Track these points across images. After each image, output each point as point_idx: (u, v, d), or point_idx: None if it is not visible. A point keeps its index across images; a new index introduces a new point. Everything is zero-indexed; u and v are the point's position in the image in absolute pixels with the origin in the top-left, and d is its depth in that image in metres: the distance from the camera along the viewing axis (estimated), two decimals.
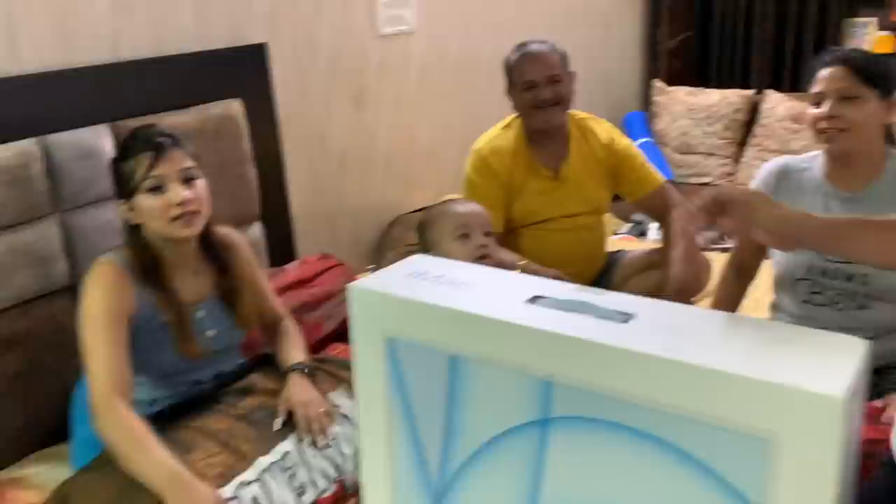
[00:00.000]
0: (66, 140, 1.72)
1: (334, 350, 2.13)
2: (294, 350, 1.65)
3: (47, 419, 1.73)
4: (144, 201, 1.46)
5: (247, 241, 1.73)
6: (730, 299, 1.86)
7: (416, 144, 3.05)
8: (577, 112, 2.27)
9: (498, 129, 2.27)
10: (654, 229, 3.24)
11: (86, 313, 1.43)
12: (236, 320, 1.61)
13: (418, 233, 1.82)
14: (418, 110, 3.01)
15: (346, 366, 1.67)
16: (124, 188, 1.47)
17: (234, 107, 2.12)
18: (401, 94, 2.91)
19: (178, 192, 1.45)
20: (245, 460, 1.40)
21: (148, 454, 1.32)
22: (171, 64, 2.01)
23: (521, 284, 1.00)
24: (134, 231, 1.51)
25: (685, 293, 1.98)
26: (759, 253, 1.82)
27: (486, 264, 1.48)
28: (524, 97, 2.15)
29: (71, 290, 1.77)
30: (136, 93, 1.91)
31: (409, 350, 1.02)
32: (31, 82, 1.71)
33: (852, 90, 1.58)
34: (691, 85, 4.13)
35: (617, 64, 4.30)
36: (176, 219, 1.46)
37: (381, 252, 2.83)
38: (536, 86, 2.12)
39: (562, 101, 2.15)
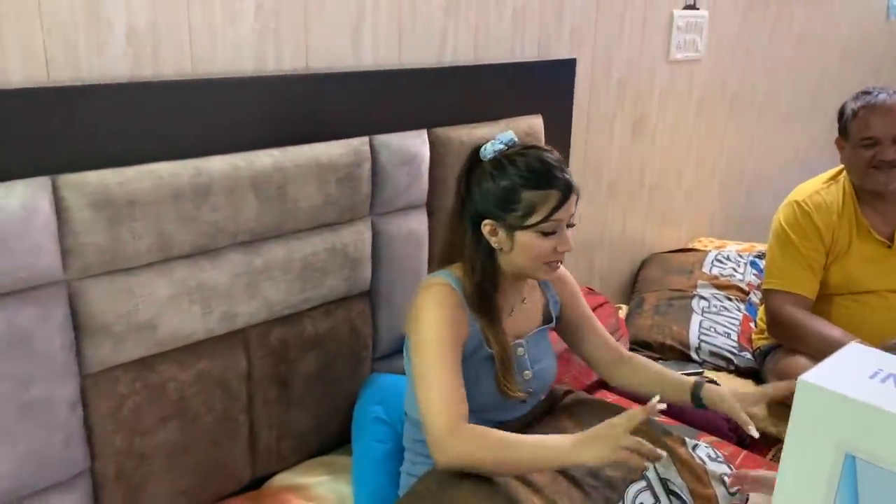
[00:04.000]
0: (393, 143, 1.65)
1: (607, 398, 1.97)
2: (666, 370, 1.57)
3: (332, 423, 1.67)
4: (531, 239, 1.33)
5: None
6: None
7: (680, 180, 2.83)
8: None
9: (821, 181, 2.01)
10: None
11: (423, 338, 1.32)
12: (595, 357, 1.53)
13: None
14: (688, 145, 2.80)
15: (666, 432, 1.50)
16: (509, 214, 1.33)
17: (536, 124, 2.01)
18: (678, 125, 2.71)
19: (567, 242, 1.35)
20: None
21: (522, 443, 1.24)
22: (487, 73, 1.91)
23: None
24: (489, 256, 1.38)
25: None
26: None
27: None
28: (862, 154, 1.89)
29: (369, 296, 1.71)
30: (453, 100, 1.82)
31: (877, 476, 0.81)
32: (367, 79, 1.65)
33: None
34: None
35: None
36: (548, 263, 1.36)
37: (635, 291, 2.63)
38: (880, 143, 1.86)
39: None
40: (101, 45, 1.30)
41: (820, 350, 1.69)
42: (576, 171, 2.30)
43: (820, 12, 3.30)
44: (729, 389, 1.49)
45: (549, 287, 1.55)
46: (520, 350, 1.45)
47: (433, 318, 1.32)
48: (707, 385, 1.49)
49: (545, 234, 1.32)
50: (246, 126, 1.46)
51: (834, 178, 2.00)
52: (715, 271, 2.54)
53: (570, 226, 1.36)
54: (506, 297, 1.43)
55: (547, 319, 1.53)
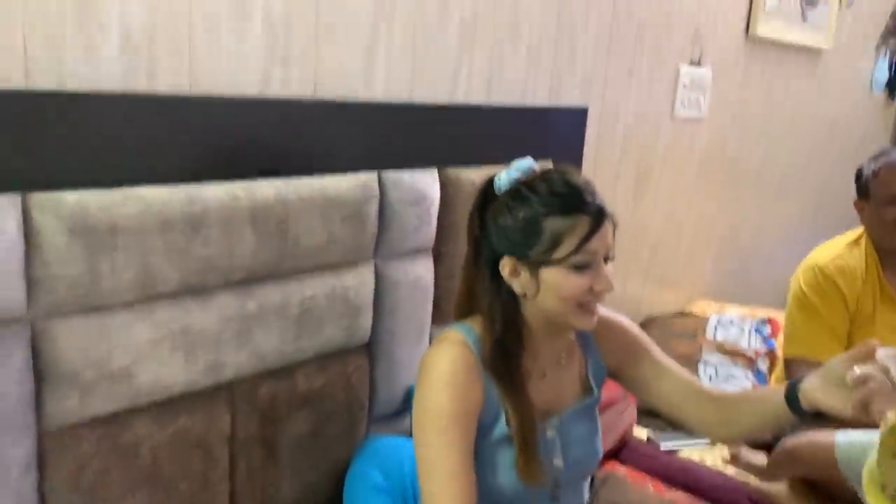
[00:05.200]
0: (404, 180, 1.50)
1: (617, 470, 1.81)
2: (752, 390, 1.34)
3: (323, 492, 1.47)
4: (560, 277, 1.11)
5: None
6: None
7: (680, 240, 2.74)
8: None
9: (842, 244, 1.92)
10: None
11: (430, 407, 1.10)
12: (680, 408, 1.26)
13: None
14: (688, 206, 2.72)
15: None
16: (532, 249, 1.12)
17: None
18: (678, 185, 2.63)
19: (606, 278, 1.12)
20: None
21: None
22: (499, 114, 1.79)
23: None
24: (512, 304, 1.18)
25: None
26: None
27: None
28: (887, 213, 1.80)
29: (368, 348, 1.54)
30: (465, 140, 1.69)
31: None
32: (379, 112, 1.51)
33: None
34: None
35: None
36: (582, 305, 1.13)
37: None
38: None
39: None
40: (91, 51, 1.14)
41: (845, 423, 1.56)
42: None
43: (812, 85, 3.31)
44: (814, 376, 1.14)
45: (591, 345, 1.29)
46: (550, 432, 1.20)
47: (441, 385, 1.10)
48: (806, 379, 1.15)
49: (577, 268, 1.10)
50: (246, 151, 1.30)
51: (855, 241, 1.91)
52: (720, 337, 2.42)
53: (606, 259, 1.14)
54: (535, 358, 1.20)
55: (588, 390, 1.28)
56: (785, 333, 1.92)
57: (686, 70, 2.47)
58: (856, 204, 1.91)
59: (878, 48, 3.74)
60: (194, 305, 1.23)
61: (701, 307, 2.76)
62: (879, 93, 3.87)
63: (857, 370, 1.04)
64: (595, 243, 1.10)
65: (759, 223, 3.22)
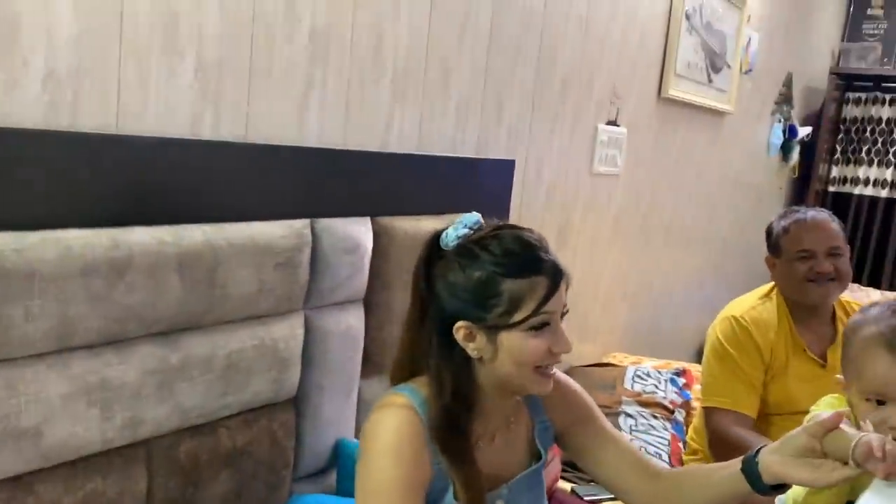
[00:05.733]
0: (337, 228, 1.47)
1: None
2: (708, 466, 1.26)
3: None
4: (520, 341, 1.07)
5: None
6: None
7: (596, 293, 2.79)
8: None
9: (755, 297, 1.99)
10: None
11: (376, 479, 1.04)
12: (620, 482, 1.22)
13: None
14: (605, 258, 2.79)
15: None
16: (494, 312, 1.07)
17: None
18: (597, 238, 2.69)
19: (564, 339, 1.09)
20: None
21: None
22: (431, 164, 1.79)
23: None
24: (464, 368, 1.11)
25: None
26: None
27: None
28: (798, 268, 1.89)
29: (295, 403, 1.47)
30: (398, 189, 1.68)
31: None
32: (312, 156, 1.48)
33: None
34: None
35: (755, 244, 4.13)
36: (540, 368, 1.09)
37: None
38: (815, 256, 1.87)
39: (840, 278, 1.89)
40: (12, 84, 1.07)
41: None
42: None
43: (717, 144, 3.49)
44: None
45: (538, 406, 1.23)
46: (498, 502, 1.15)
47: (387, 455, 1.04)
48: (762, 450, 1.09)
49: (536, 329, 1.07)
50: (175, 194, 1.24)
51: (767, 294, 1.99)
52: (637, 388, 2.46)
53: (562, 316, 1.12)
54: (486, 422, 1.14)
55: (535, 453, 1.22)
56: (703, 383, 1.97)
57: (603, 128, 2.56)
58: (767, 260, 2.00)
59: (773, 114, 4.00)
60: (113, 357, 1.15)
61: (618, 359, 2.81)
62: (774, 155, 4.12)
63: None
64: (554, 303, 1.08)
65: (670, 273, 3.33)
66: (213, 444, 1.32)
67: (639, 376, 2.53)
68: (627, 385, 2.48)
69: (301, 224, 1.40)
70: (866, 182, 4.49)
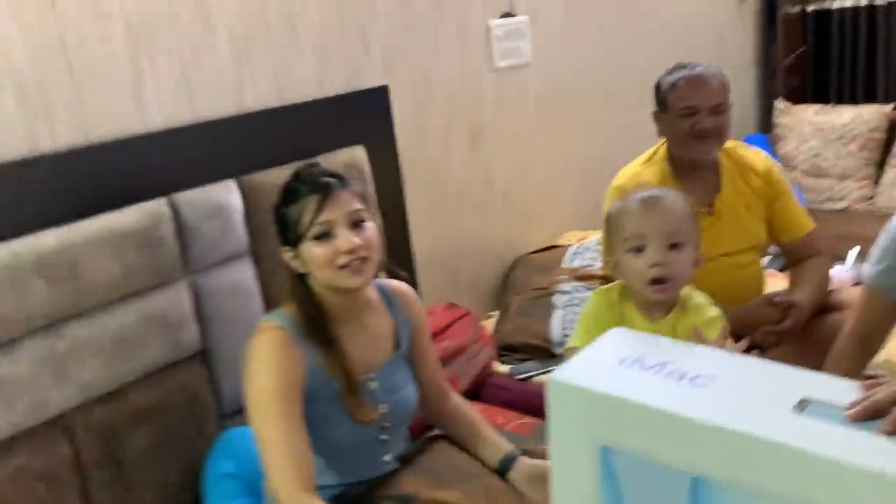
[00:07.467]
0: (196, 197, 1.63)
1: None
2: (492, 433, 1.52)
3: (181, 495, 1.62)
4: (310, 249, 1.32)
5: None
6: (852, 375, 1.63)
7: (533, 181, 2.88)
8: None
9: (639, 163, 2.07)
10: None
11: (255, 391, 1.29)
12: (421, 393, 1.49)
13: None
14: (534, 145, 2.86)
15: None
16: (289, 235, 1.35)
17: (359, 153, 2.01)
18: (517, 130, 2.76)
19: (347, 239, 1.31)
20: None
21: None
22: (294, 113, 1.91)
23: (779, 379, 0.80)
24: (300, 281, 1.37)
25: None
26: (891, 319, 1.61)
27: (662, 290, 1.31)
28: (681, 124, 1.93)
29: (202, 356, 1.68)
30: (262, 145, 1.82)
31: (631, 465, 0.83)
32: (158, 139, 1.63)
33: None
34: (812, 103, 3.84)
35: (732, 84, 4.03)
36: (343, 267, 1.32)
37: (504, 296, 2.66)
38: (697, 112, 1.91)
39: (722, 134, 1.94)
40: None
41: None
42: (416, 189, 2.32)
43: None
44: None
45: (398, 308, 1.49)
46: (371, 384, 1.41)
47: (262, 368, 1.30)
48: (520, 461, 1.45)
49: (319, 238, 1.31)
50: (26, 208, 1.42)
51: (650, 159, 2.06)
52: (576, 263, 2.59)
53: (358, 223, 1.34)
54: (344, 325, 1.39)
55: (398, 345, 1.48)
56: (603, 255, 2.08)
57: (497, 23, 2.59)
58: (654, 114, 2.05)
59: None
60: (2, 358, 1.35)
61: (566, 238, 2.92)
62: None
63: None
64: (329, 213, 1.31)
65: (617, 142, 3.34)
66: (125, 407, 1.53)
67: (578, 252, 2.65)
68: (566, 263, 2.60)
69: (156, 204, 1.57)
70: None
